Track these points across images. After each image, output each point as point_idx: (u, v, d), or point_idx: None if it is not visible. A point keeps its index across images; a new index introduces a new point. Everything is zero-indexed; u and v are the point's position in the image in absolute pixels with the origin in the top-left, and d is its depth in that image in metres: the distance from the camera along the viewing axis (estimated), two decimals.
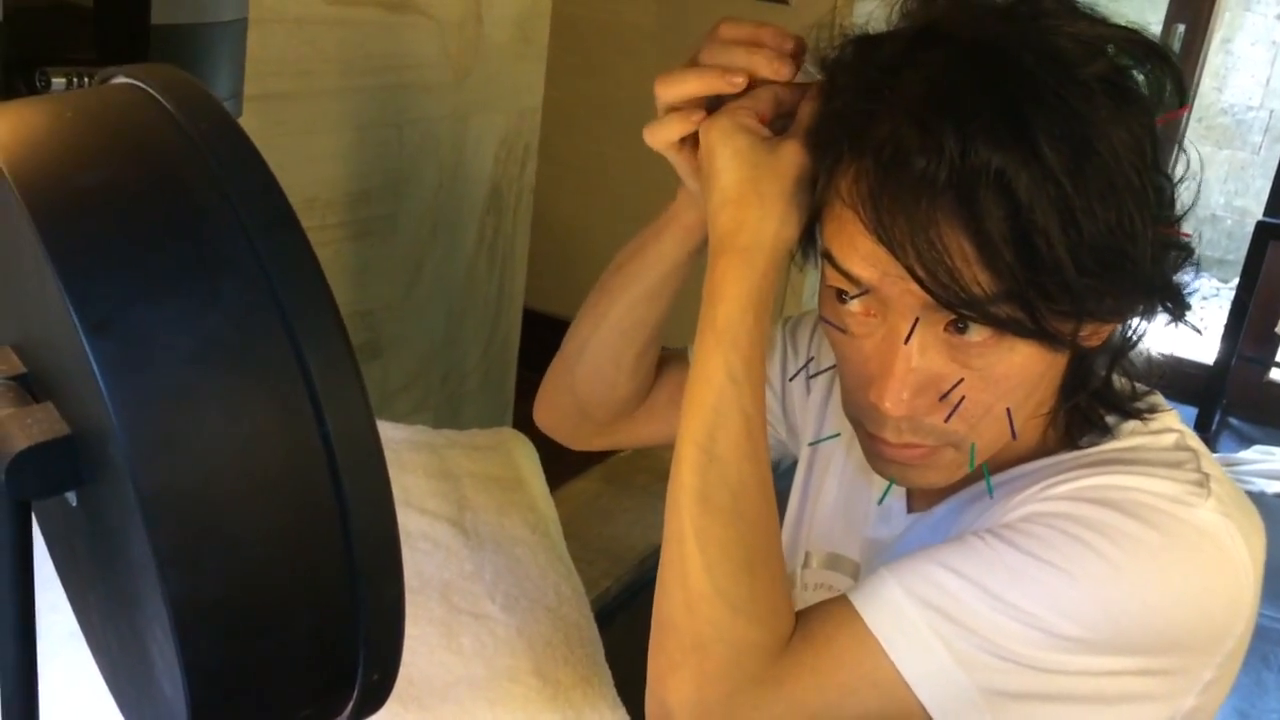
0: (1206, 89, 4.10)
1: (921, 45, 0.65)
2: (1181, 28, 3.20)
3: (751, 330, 0.69)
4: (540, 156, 1.99)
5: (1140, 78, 0.65)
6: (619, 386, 0.93)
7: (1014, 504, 0.70)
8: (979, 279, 0.62)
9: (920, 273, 0.62)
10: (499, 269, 1.99)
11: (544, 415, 1.01)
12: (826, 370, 0.88)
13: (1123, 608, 0.65)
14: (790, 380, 0.94)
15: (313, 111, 1.52)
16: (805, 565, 0.91)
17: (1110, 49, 0.64)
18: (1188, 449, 0.72)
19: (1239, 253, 3.31)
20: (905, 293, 0.65)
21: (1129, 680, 0.66)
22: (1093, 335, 0.68)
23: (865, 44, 0.68)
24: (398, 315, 1.79)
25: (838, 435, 0.87)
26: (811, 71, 0.73)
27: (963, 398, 0.67)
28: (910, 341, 0.66)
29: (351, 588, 0.41)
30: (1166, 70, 0.66)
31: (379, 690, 0.44)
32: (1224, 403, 3.37)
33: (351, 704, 0.44)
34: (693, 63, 0.73)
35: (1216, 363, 3.27)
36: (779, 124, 0.73)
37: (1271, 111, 4.23)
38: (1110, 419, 0.74)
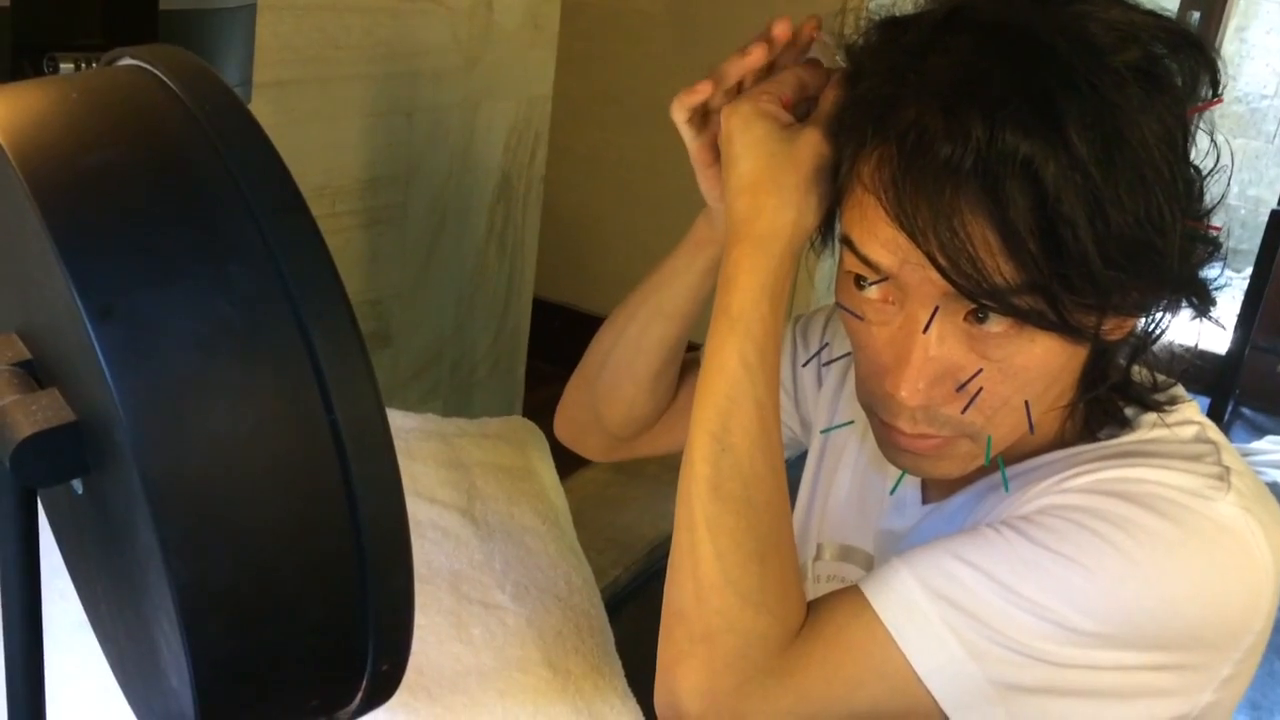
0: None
1: (949, 29, 0.64)
2: (1196, 16, 3.17)
3: (766, 318, 0.69)
4: (548, 145, 1.99)
5: (1173, 67, 0.64)
6: (637, 404, 0.92)
7: (1030, 496, 0.69)
8: (1001, 269, 0.61)
9: (941, 261, 0.61)
10: (509, 257, 1.98)
11: (564, 429, 1.02)
12: (840, 359, 0.87)
13: (1139, 602, 0.64)
14: (804, 366, 0.93)
15: (322, 99, 1.52)
16: (817, 557, 0.90)
17: (1143, 37, 0.63)
18: (1208, 441, 0.71)
19: (1253, 242, 3.28)
20: (925, 281, 0.64)
21: (1145, 675, 0.66)
22: (1115, 329, 0.67)
23: (891, 27, 0.67)
24: (407, 303, 1.78)
25: (851, 423, 0.87)
26: (829, 43, 0.72)
27: (980, 389, 0.66)
28: (929, 330, 0.65)
29: (360, 577, 0.40)
30: (1200, 60, 0.64)
31: (389, 680, 0.44)
32: (1237, 393, 3.35)
33: (361, 694, 0.43)
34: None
35: (1229, 353, 3.25)
36: (802, 109, 0.72)
37: None
38: (1129, 411, 0.73)
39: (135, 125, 0.42)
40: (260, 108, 1.32)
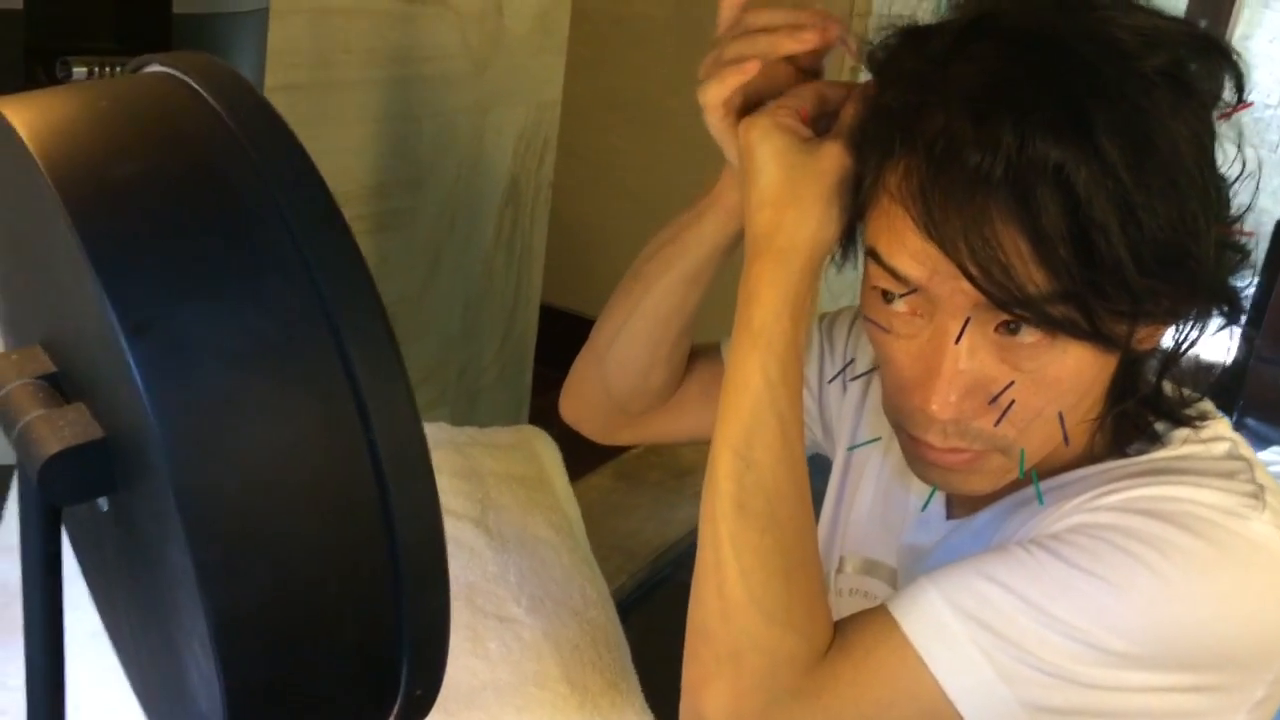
0: None
1: (974, 36, 0.63)
2: (1201, 25, 3.16)
3: (787, 333, 0.68)
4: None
5: (1199, 72, 0.63)
6: (653, 375, 0.91)
7: (1060, 513, 0.68)
8: (1034, 278, 0.60)
9: (973, 271, 0.60)
10: (517, 263, 1.97)
11: (570, 408, 0.99)
12: (865, 375, 0.86)
13: (1172, 623, 0.63)
14: (829, 383, 0.92)
15: (332, 103, 1.51)
16: (840, 570, 0.89)
17: (1169, 42, 0.62)
18: (1241, 458, 0.70)
19: (1257, 252, 3.27)
20: (956, 292, 0.63)
21: (1178, 697, 0.65)
22: (1147, 338, 0.67)
23: (914, 36, 0.67)
24: (415, 309, 1.77)
25: (878, 440, 0.86)
26: (850, 44, 0.71)
27: (1012, 401, 0.65)
28: (960, 342, 0.64)
29: (396, 600, 0.39)
30: (1226, 66, 0.64)
31: (421, 705, 0.43)
32: (1241, 403, 3.34)
33: (394, 718, 0.42)
34: (718, 59, 0.72)
35: (1234, 363, 3.24)
36: (823, 123, 0.71)
37: None
38: (1159, 426, 0.72)
39: (168, 134, 0.41)
40: None
